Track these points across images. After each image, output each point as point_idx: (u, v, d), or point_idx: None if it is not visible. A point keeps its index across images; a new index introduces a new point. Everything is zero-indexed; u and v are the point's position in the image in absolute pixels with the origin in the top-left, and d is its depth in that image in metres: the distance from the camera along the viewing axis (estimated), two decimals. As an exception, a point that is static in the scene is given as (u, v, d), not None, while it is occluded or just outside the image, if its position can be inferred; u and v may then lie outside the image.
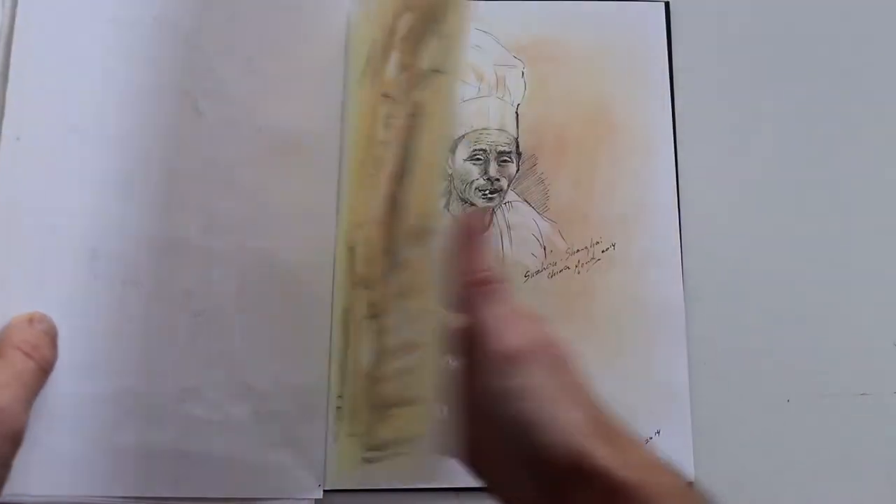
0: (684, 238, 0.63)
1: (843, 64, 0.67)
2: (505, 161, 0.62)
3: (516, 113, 0.63)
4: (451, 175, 0.62)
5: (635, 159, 0.63)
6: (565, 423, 0.37)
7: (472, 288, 0.41)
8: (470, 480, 0.59)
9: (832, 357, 0.62)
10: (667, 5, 0.65)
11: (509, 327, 0.39)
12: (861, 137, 0.66)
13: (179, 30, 0.54)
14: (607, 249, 0.62)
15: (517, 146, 0.63)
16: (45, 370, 0.44)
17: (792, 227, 0.64)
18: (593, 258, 0.61)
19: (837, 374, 0.62)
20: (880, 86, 0.67)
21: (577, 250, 0.62)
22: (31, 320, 0.45)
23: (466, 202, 0.62)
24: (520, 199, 0.62)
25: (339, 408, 0.54)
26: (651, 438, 0.59)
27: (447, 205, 0.62)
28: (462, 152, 0.62)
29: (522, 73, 0.63)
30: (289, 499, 0.56)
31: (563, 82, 0.64)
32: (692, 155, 0.64)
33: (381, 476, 0.57)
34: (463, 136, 0.63)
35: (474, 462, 0.44)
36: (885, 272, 0.64)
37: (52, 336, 0.45)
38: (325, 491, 0.57)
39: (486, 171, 0.62)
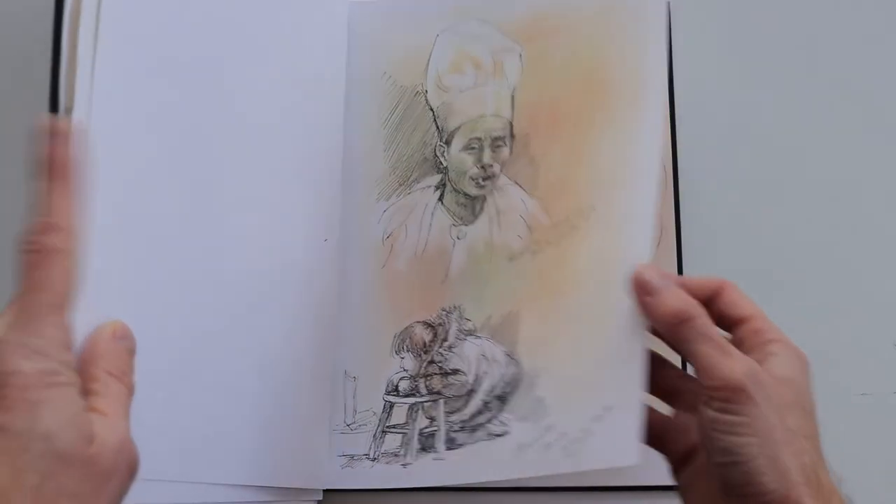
0: (684, 236, 0.62)
1: (843, 63, 0.66)
2: (499, 146, 0.59)
3: (512, 96, 0.60)
4: (445, 167, 0.60)
5: (626, 124, 0.56)
6: (778, 467, 0.38)
7: (678, 327, 0.42)
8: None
9: (832, 357, 0.61)
10: (666, 6, 0.65)
11: (726, 361, 0.40)
12: (861, 137, 0.65)
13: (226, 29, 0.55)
14: (589, 216, 0.55)
15: (511, 129, 0.59)
16: (131, 395, 0.40)
17: (791, 227, 0.64)
18: (574, 227, 0.55)
19: (837, 374, 0.61)
20: (880, 85, 0.66)
21: (559, 222, 0.56)
22: (114, 336, 0.41)
23: (460, 192, 0.60)
24: (511, 182, 0.59)
25: None
26: None
27: (441, 198, 0.60)
28: (458, 143, 0.60)
29: (520, 56, 0.60)
30: (292, 500, 0.56)
31: (561, 54, 0.60)
32: (692, 156, 0.64)
33: (380, 476, 0.58)
34: (459, 128, 0.60)
35: (678, 473, 0.47)
36: (885, 272, 0.63)
37: (133, 354, 0.42)
38: (324, 491, 0.57)
39: (480, 160, 0.60)
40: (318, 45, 0.61)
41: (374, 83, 0.62)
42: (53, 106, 0.41)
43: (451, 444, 0.56)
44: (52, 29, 0.43)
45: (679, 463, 0.46)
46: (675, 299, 0.43)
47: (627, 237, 0.51)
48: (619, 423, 0.48)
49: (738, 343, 0.43)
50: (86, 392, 0.38)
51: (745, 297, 0.45)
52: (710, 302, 0.45)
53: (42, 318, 0.36)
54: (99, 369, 0.39)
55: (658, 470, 0.55)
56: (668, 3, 0.65)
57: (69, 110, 0.41)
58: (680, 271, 0.62)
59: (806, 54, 0.67)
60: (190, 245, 0.52)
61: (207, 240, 0.53)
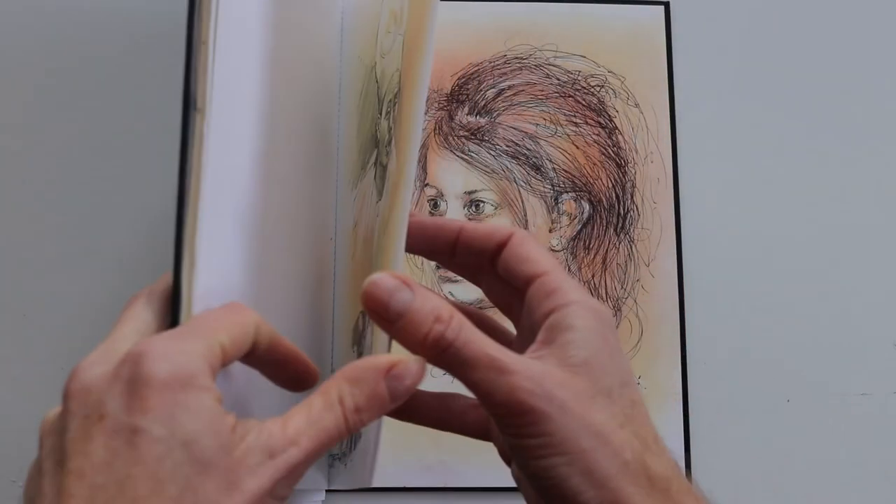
0: (684, 238, 0.62)
1: (843, 64, 0.66)
2: (397, 102, 0.49)
3: (403, 43, 0.49)
4: (378, 140, 0.53)
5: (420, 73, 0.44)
6: (596, 480, 0.32)
7: (436, 359, 0.34)
8: (469, 480, 0.60)
9: (832, 357, 0.61)
10: (667, 6, 0.65)
11: (503, 382, 0.33)
12: (861, 137, 0.65)
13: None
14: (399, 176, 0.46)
15: (399, 80, 0.49)
16: (346, 433, 0.34)
17: (792, 227, 0.63)
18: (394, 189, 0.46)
19: (837, 374, 0.61)
20: (880, 86, 0.66)
21: (393, 185, 0.47)
22: (386, 371, 0.34)
23: (382, 165, 0.51)
24: (394, 143, 0.49)
25: None
26: None
27: (375, 174, 0.53)
28: (384, 110, 0.52)
29: None
30: (296, 500, 0.57)
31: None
32: (692, 156, 0.64)
33: (340, 476, 0.57)
34: (386, 93, 0.52)
35: (509, 464, 0.40)
36: (885, 272, 0.63)
37: (396, 401, 0.34)
38: (326, 491, 0.58)
39: (389, 124, 0.51)
40: (322, 41, 0.60)
41: (353, 70, 0.59)
42: (186, 105, 0.38)
43: (355, 444, 0.50)
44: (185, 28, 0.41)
45: (506, 456, 0.40)
46: (422, 324, 0.33)
47: (402, 207, 0.40)
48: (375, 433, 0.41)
49: (528, 311, 0.36)
50: (308, 397, 0.34)
51: (535, 249, 0.37)
52: (496, 258, 0.38)
53: (193, 337, 0.33)
54: (333, 389, 0.33)
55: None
56: (668, 3, 0.66)
57: (201, 111, 0.39)
58: (680, 271, 0.62)
59: (805, 55, 0.66)
60: (256, 242, 0.47)
61: (266, 241, 0.51)
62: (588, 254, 0.63)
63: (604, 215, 0.63)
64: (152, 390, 0.31)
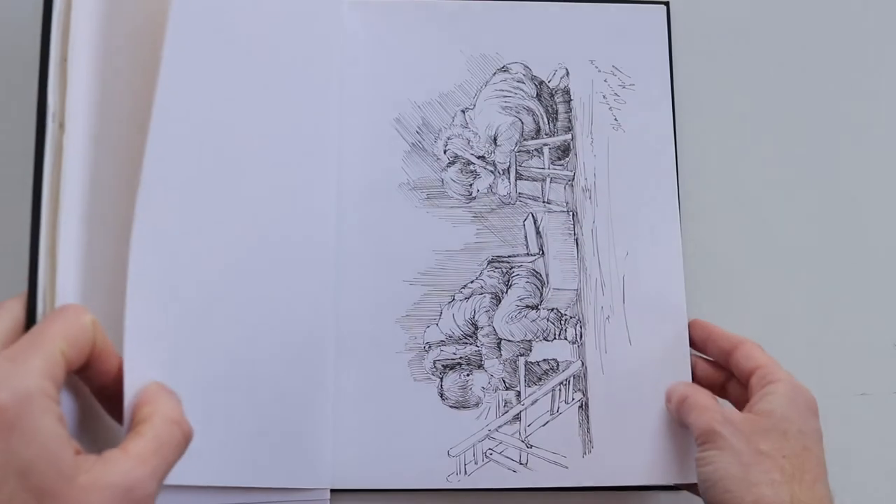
0: (685, 239, 0.62)
1: (843, 64, 0.66)
2: None
3: None
4: None
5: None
6: (744, 484, 0.47)
7: (680, 406, 0.54)
8: (470, 481, 0.60)
9: (832, 357, 0.62)
10: (667, 6, 0.65)
11: (704, 416, 0.51)
12: (861, 137, 0.65)
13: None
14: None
15: None
16: (187, 443, 0.37)
17: (792, 227, 0.63)
18: None
19: (837, 374, 0.61)
20: (880, 86, 0.66)
21: None
22: (164, 390, 0.39)
23: None
24: None
25: None
26: None
27: None
28: None
29: None
30: (297, 501, 0.57)
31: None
32: (693, 157, 0.64)
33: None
34: None
35: None
36: (885, 272, 0.63)
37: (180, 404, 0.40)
38: (331, 490, 0.57)
39: None
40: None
41: None
42: (41, 118, 0.38)
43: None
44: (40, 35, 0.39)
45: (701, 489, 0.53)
46: (681, 388, 0.55)
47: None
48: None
49: (749, 390, 0.52)
50: (132, 430, 0.36)
51: (759, 350, 0.54)
52: (729, 355, 0.55)
53: (30, 354, 0.33)
54: (154, 414, 0.36)
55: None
56: (668, 3, 0.66)
57: (62, 125, 0.38)
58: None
59: (805, 55, 0.66)
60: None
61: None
62: (589, 254, 0.63)
63: (605, 215, 0.63)
64: None
